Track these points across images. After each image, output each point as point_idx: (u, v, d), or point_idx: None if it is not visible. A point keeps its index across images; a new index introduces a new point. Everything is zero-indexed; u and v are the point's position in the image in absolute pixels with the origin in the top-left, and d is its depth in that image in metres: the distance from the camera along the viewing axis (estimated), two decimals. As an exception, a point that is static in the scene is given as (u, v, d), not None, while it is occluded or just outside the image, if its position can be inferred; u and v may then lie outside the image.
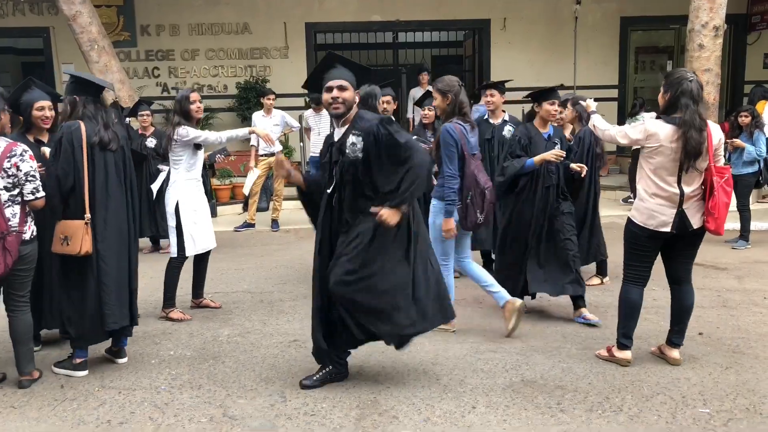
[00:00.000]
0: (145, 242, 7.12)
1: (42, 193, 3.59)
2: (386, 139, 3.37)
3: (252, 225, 8.59)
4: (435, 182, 4.48)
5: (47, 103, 4.01)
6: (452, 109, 4.28)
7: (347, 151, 3.42)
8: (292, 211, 9.85)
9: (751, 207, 7.08)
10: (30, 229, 3.60)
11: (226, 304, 5.27)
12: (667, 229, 3.58)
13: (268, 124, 8.42)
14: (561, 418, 3.21)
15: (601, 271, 5.60)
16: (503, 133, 5.77)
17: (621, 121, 9.80)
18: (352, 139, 3.42)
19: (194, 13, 11.41)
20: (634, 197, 3.95)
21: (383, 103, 5.57)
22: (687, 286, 3.83)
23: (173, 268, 4.89)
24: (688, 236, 3.67)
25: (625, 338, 3.80)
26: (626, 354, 3.81)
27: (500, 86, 5.91)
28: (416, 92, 10.26)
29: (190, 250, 4.85)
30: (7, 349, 4.03)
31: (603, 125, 3.99)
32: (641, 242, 3.69)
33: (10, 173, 3.47)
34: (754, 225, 7.14)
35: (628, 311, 3.80)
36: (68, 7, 8.33)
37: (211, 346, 4.32)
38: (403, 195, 3.34)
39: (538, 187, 4.64)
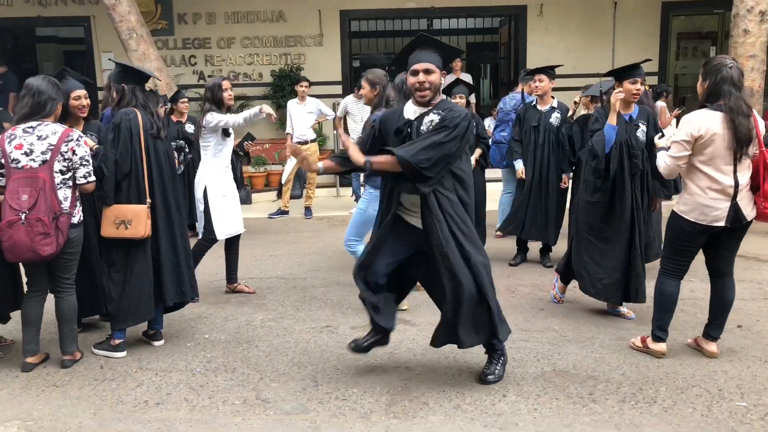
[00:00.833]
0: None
1: (93, 178, 3.73)
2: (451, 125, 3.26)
3: (286, 212, 8.67)
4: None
5: (83, 92, 4.12)
6: (379, 100, 4.47)
7: (423, 128, 3.30)
8: (326, 199, 9.93)
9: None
10: (78, 213, 3.72)
11: (260, 289, 5.34)
12: (722, 223, 3.49)
13: (302, 112, 8.48)
14: (592, 408, 3.19)
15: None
16: (550, 120, 5.69)
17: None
18: (432, 117, 3.29)
19: (230, 1, 11.49)
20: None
21: None
22: (729, 280, 3.73)
23: (200, 250, 5.00)
24: (737, 229, 3.57)
25: (660, 330, 3.74)
26: (661, 346, 3.75)
27: (549, 71, 5.81)
28: (449, 78, 10.17)
29: (219, 234, 4.95)
30: (49, 330, 4.17)
31: (660, 164, 3.69)
32: (689, 238, 3.59)
33: (66, 157, 3.60)
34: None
35: (665, 304, 3.73)
36: (108, -3, 8.48)
37: (245, 331, 4.39)
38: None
39: (625, 174, 4.30)
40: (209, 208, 4.91)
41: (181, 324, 4.51)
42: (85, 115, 4.16)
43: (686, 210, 3.56)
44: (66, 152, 3.60)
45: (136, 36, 8.65)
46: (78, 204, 3.73)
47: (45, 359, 3.89)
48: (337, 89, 11.38)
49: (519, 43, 11.81)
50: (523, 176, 5.82)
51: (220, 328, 4.45)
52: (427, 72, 3.26)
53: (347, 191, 9.88)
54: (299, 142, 8.42)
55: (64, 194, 3.63)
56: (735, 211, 3.47)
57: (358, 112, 8.62)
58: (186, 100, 7.42)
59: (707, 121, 3.42)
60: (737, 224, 3.51)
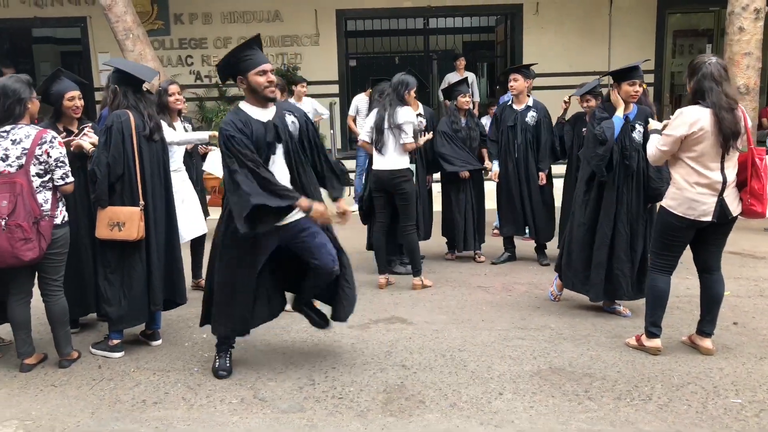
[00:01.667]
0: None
1: (71, 179, 3.70)
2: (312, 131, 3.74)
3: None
4: None
5: (77, 93, 4.11)
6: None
7: (291, 129, 3.56)
8: (325, 198, 9.93)
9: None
10: (61, 214, 3.70)
11: (257, 289, 5.34)
12: (709, 218, 3.52)
13: (298, 111, 8.47)
14: (588, 406, 3.20)
15: None
16: (526, 119, 5.70)
17: (658, 108, 9.58)
18: (290, 119, 3.58)
19: (226, 1, 11.50)
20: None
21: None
22: (717, 275, 3.76)
23: None
24: (723, 225, 3.60)
25: (653, 327, 3.76)
26: (655, 342, 3.77)
27: (524, 70, 5.83)
28: (452, 77, 10.21)
29: (183, 237, 4.79)
30: (48, 331, 4.16)
31: (649, 150, 3.73)
32: (677, 232, 3.62)
33: (41, 160, 3.56)
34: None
35: (657, 300, 3.75)
36: (104, -3, 8.47)
37: (242, 330, 4.39)
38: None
39: (617, 174, 4.29)
40: None
41: (179, 324, 4.52)
42: (78, 115, 4.16)
43: (674, 205, 3.59)
44: (41, 155, 3.55)
45: (132, 36, 8.65)
46: (60, 205, 3.70)
47: (43, 359, 3.90)
48: (334, 89, 11.40)
49: (515, 41, 11.83)
50: (496, 179, 5.90)
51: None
52: (273, 72, 3.47)
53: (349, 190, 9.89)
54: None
55: (44, 197, 3.60)
56: (722, 206, 3.51)
57: (365, 111, 8.66)
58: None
59: (700, 117, 3.45)
60: (723, 220, 3.54)
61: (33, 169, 3.54)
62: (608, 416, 3.10)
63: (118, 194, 3.86)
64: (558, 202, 5.91)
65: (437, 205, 6.13)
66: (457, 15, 12.75)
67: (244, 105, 3.50)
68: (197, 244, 5.29)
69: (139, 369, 3.81)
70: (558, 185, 5.95)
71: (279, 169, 3.49)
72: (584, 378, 3.51)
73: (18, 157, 3.51)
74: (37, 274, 3.75)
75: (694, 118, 3.46)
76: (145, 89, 4.11)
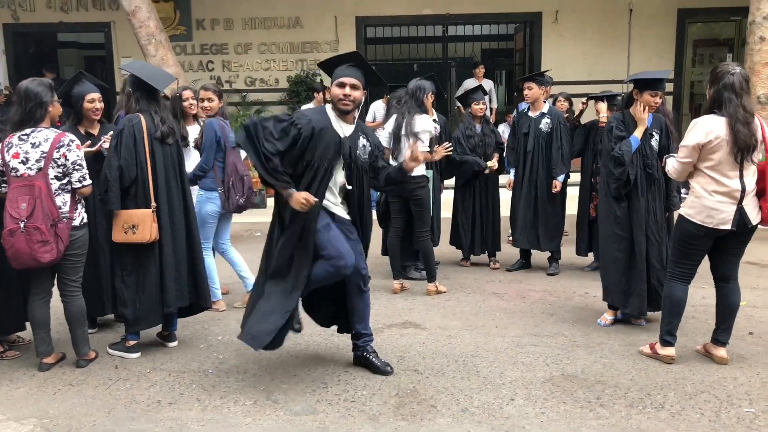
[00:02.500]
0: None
1: (89, 181, 3.76)
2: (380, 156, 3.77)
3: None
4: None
5: (97, 96, 4.20)
6: (220, 111, 4.89)
7: (359, 152, 3.58)
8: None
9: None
10: (80, 216, 3.77)
11: (272, 292, 5.39)
12: (728, 226, 3.50)
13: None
14: (600, 413, 3.20)
15: None
16: (540, 126, 5.70)
17: (677, 117, 9.51)
18: (362, 141, 3.61)
19: (248, 7, 11.64)
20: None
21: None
22: (734, 284, 3.74)
23: None
24: (742, 233, 3.58)
25: (668, 335, 3.74)
26: (670, 351, 3.75)
27: (538, 78, 5.83)
28: (470, 83, 10.26)
29: None
30: (66, 331, 4.24)
31: (670, 166, 3.75)
32: (695, 241, 3.61)
33: (59, 163, 3.64)
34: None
35: (673, 308, 3.73)
36: (128, 3, 8.63)
37: (257, 333, 4.44)
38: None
39: (639, 183, 4.27)
40: None
41: (195, 326, 4.58)
42: (98, 117, 4.25)
43: (693, 213, 3.57)
44: (59, 158, 3.63)
45: (154, 41, 8.80)
46: (79, 207, 3.77)
47: (61, 359, 3.97)
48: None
49: (534, 49, 11.83)
50: (510, 187, 5.95)
51: (233, 330, 4.48)
52: (354, 87, 3.50)
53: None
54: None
55: (63, 199, 3.67)
56: (741, 215, 3.49)
57: (385, 118, 8.69)
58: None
59: (715, 127, 3.44)
60: (743, 228, 3.52)
61: (51, 172, 3.62)
62: (620, 423, 3.10)
63: (132, 197, 3.91)
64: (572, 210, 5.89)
65: (446, 212, 6.14)
66: (476, 23, 12.77)
67: (330, 108, 3.62)
68: None
69: (155, 370, 3.87)
70: (572, 194, 5.94)
71: (338, 180, 3.58)
72: (596, 385, 3.50)
73: (37, 161, 3.59)
74: (56, 274, 3.83)
75: (709, 127, 3.45)
76: (162, 94, 4.18)
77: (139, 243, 3.90)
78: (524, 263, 6.01)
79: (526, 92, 5.75)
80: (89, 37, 13.15)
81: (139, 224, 3.87)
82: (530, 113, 5.81)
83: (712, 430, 3.03)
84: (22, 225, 3.50)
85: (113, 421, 3.26)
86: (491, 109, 6.36)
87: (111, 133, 4.11)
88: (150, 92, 4.02)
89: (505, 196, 6.11)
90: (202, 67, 11.85)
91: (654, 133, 4.32)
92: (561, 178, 5.65)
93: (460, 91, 11.40)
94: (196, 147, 4.89)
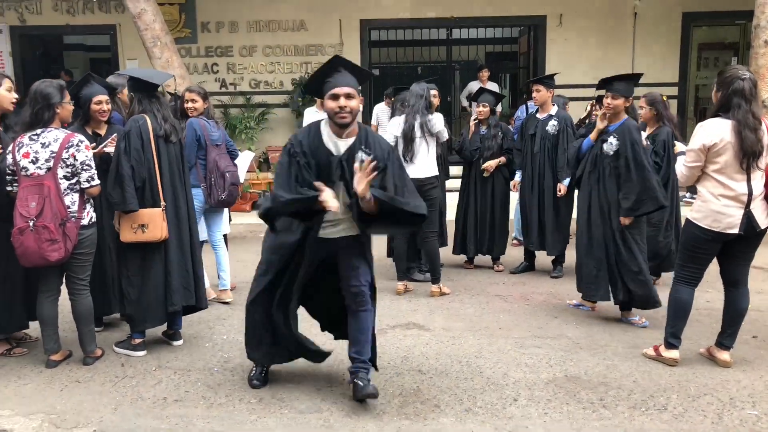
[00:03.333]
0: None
1: (97, 182, 3.80)
2: (398, 169, 3.29)
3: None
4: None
5: (105, 97, 4.23)
6: (206, 111, 4.99)
7: (356, 165, 3.14)
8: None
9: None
10: (88, 215, 3.81)
11: (277, 292, 5.42)
12: (735, 231, 3.51)
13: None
14: (602, 414, 3.21)
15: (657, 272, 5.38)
16: (547, 128, 5.71)
17: (681, 122, 9.51)
18: (361, 156, 3.15)
19: (253, 9, 11.69)
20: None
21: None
22: (743, 289, 3.74)
23: None
24: (751, 238, 3.59)
25: (673, 338, 3.76)
26: (674, 354, 3.76)
27: (546, 81, 5.85)
28: (474, 85, 10.31)
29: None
30: (73, 329, 4.28)
31: (678, 171, 3.78)
32: (702, 245, 3.62)
33: (68, 163, 3.68)
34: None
35: (679, 311, 3.74)
36: (134, 5, 8.67)
37: (261, 332, 4.47)
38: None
39: (599, 177, 4.53)
40: None
41: (200, 325, 4.61)
42: (105, 119, 4.28)
43: (700, 217, 3.58)
44: (68, 158, 3.67)
45: (160, 44, 8.84)
46: (88, 206, 3.80)
47: (68, 356, 4.00)
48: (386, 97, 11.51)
49: (538, 52, 11.84)
50: (516, 189, 5.98)
51: (238, 330, 4.50)
52: (348, 96, 3.16)
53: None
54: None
55: (72, 199, 3.71)
56: (748, 218, 3.49)
57: (385, 120, 8.75)
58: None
59: (720, 130, 3.45)
60: (751, 232, 3.53)
61: (60, 172, 3.66)
62: (622, 424, 3.11)
63: (140, 196, 3.94)
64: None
65: (450, 214, 6.17)
66: (480, 26, 12.78)
67: (324, 125, 3.30)
68: None
69: (161, 368, 3.90)
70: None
71: (340, 196, 3.26)
72: (600, 387, 3.51)
73: (47, 160, 3.63)
74: (64, 273, 3.86)
75: (715, 130, 3.47)
76: (164, 93, 4.21)
77: (149, 242, 3.93)
78: (528, 266, 6.03)
79: (534, 95, 5.77)
80: (95, 39, 13.20)
81: (148, 223, 3.91)
82: (538, 115, 5.83)
83: (715, 431, 3.04)
84: (31, 224, 3.54)
85: (120, 417, 3.29)
86: (494, 112, 6.36)
87: (115, 135, 4.15)
88: (149, 91, 4.06)
89: (515, 198, 6.14)
90: (207, 69, 11.88)
91: (609, 138, 4.45)
92: (566, 181, 5.65)
93: (465, 93, 11.48)
94: None
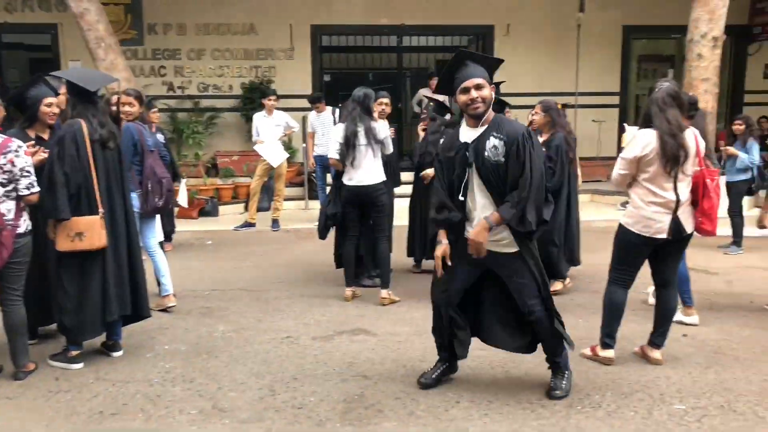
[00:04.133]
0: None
1: (36, 188, 3.67)
2: (529, 150, 3.21)
3: (252, 225, 8.69)
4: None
5: (54, 100, 4.07)
6: (141, 116, 5.04)
7: (488, 154, 3.23)
8: (294, 211, 9.97)
9: (745, 213, 7.14)
10: (24, 223, 3.69)
11: (222, 301, 5.37)
12: (664, 235, 3.66)
13: (269, 125, 8.56)
14: (541, 413, 3.29)
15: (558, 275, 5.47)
16: None
17: (621, 127, 9.83)
18: (493, 141, 3.23)
19: (201, 12, 11.54)
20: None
21: (381, 104, 5.69)
22: (673, 289, 3.91)
23: None
24: (678, 241, 3.75)
25: (608, 338, 3.88)
26: (609, 353, 3.89)
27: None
28: (425, 92, 10.45)
29: None
30: (3, 341, 4.14)
31: (612, 176, 3.86)
32: (634, 249, 3.76)
33: (5, 169, 3.54)
34: (748, 231, 7.19)
35: (613, 312, 3.87)
36: (76, 5, 8.46)
37: (205, 342, 4.41)
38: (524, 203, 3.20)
39: None
40: None
41: (141, 335, 4.51)
42: (53, 122, 4.10)
43: (631, 222, 3.73)
44: (5, 164, 3.53)
45: (104, 45, 8.64)
46: (24, 214, 3.69)
47: (-1, 371, 3.86)
48: (308, 102, 11.50)
49: (486, 61, 12.04)
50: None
51: (181, 339, 4.46)
52: (479, 87, 3.22)
53: (316, 204, 9.94)
54: (268, 155, 8.52)
55: (8, 207, 3.58)
56: (676, 224, 3.65)
57: (321, 127, 8.80)
58: (156, 109, 7.41)
59: (651, 140, 3.60)
60: (678, 236, 3.69)
61: None
62: (559, 423, 3.19)
63: (76, 204, 3.82)
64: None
65: (399, 220, 6.23)
66: (430, 34, 12.95)
67: (463, 122, 3.40)
68: None
69: (98, 380, 3.79)
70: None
71: (477, 190, 3.32)
72: (539, 387, 3.60)
73: None
74: None
75: (646, 141, 3.61)
76: (101, 95, 4.10)
77: (86, 251, 3.82)
78: None
79: None
80: (35, 38, 12.75)
81: (86, 231, 3.79)
82: None
83: (645, 426, 3.16)
84: None
85: (53, 433, 3.19)
86: (434, 118, 6.44)
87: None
88: (86, 96, 3.94)
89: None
90: (153, 72, 11.67)
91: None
92: None
93: (416, 99, 11.58)
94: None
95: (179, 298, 5.33)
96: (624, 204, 9.36)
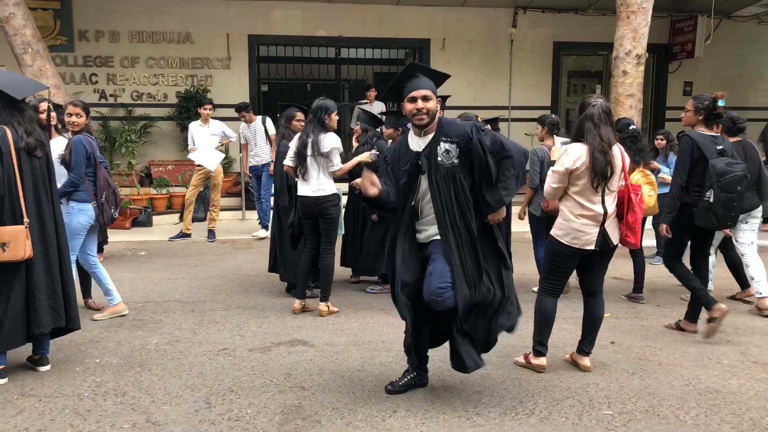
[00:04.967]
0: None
1: None
2: (485, 142, 3.39)
3: (188, 235, 8.54)
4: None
5: None
6: (86, 127, 4.96)
7: (440, 159, 3.40)
8: (230, 222, 9.84)
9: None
10: None
11: (156, 313, 5.25)
12: (592, 247, 3.82)
13: (205, 134, 8.44)
14: (476, 421, 3.37)
15: None
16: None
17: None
18: (444, 146, 3.40)
19: (135, 20, 11.29)
20: None
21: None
22: (599, 298, 4.07)
23: None
24: (605, 252, 3.92)
25: (540, 346, 4.01)
26: (541, 361, 4.02)
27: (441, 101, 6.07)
28: (362, 105, 10.54)
29: None
30: None
31: (545, 189, 4.02)
32: (564, 260, 3.91)
33: None
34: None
35: (544, 320, 4.01)
36: (1, 9, 8.13)
37: (138, 354, 4.31)
38: (508, 184, 3.41)
39: None
40: None
41: (71, 348, 4.36)
42: None
43: (561, 234, 3.87)
44: None
45: (31, 51, 8.34)
46: None
47: None
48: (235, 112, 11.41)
49: (423, 74, 12.25)
50: None
51: (113, 352, 4.34)
52: (425, 99, 3.37)
53: (253, 214, 9.84)
54: (202, 165, 8.38)
55: None
56: (603, 236, 3.82)
57: (251, 138, 8.77)
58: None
59: (581, 154, 3.76)
60: (605, 248, 3.86)
61: None
62: (493, 430, 3.28)
63: (4, 213, 3.69)
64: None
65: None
66: (368, 46, 13.10)
67: (410, 132, 3.54)
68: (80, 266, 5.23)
69: (24, 396, 3.64)
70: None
71: (428, 196, 3.46)
72: (474, 395, 3.68)
73: None
74: None
75: (576, 155, 3.77)
76: (29, 101, 3.98)
77: (9, 262, 3.68)
78: None
79: None
80: (-44, 42, 12.17)
81: (10, 242, 3.65)
82: None
83: (575, 431, 3.28)
84: None
85: (-26, 453, 3.05)
86: (366, 130, 6.51)
87: None
88: (12, 102, 3.80)
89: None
90: (85, 79, 11.32)
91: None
92: None
93: (354, 113, 11.65)
94: (63, 162, 4.84)
95: (104, 306, 5.19)
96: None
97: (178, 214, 9.79)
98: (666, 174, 7.02)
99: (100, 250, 7.29)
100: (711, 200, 4.50)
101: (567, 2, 11.82)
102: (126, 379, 3.89)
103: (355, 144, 6.42)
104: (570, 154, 3.79)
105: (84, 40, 11.26)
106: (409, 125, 3.61)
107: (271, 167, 8.47)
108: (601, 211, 3.80)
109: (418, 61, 12.36)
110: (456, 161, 3.40)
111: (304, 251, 5.38)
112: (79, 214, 4.82)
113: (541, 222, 5.71)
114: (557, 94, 12.67)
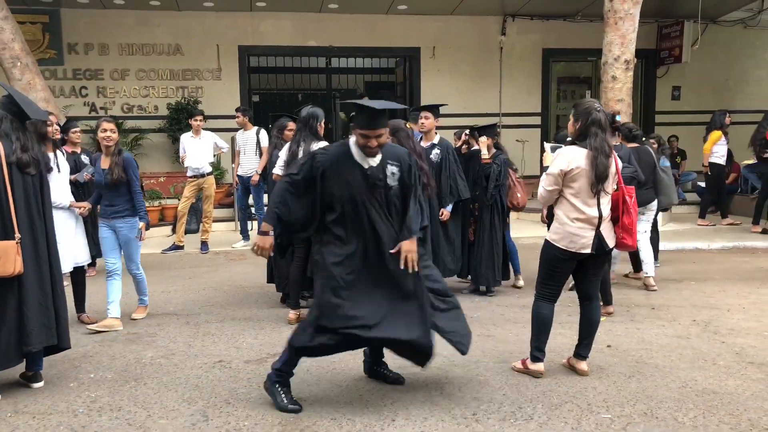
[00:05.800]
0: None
1: None
2: (414, 171, 3.59)
3: (180, 247, 8.49)
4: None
5: None
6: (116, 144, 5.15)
7: (388, 180, 3.51)
8: (223, 233, 9.80)
9: (661, 228, 7.55)
10: None
11: (150, 326, 5.21)
12: (588, 250, 3.82)
13: (197, 146, 8.42)
14: (475, 428, 3.36)
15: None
16: (431, 156, 5.93)
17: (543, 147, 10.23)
18: (391, 168, 3.51)
19: (124, 32, 11.28)
20: None
21: (421, 118, 5.88)
22: (595, 302, 4.08)
23: None
24: (600, 256, 3.93)
25: (538, 351, 4.01)
26: (539, 366, 4.01)
27: (434, 109, 6.07)
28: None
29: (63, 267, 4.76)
30: None
31: (539, 193, 4.05)
32: (560, 264, 3.91)
33: None
34: (664, 245, 7.62)
35: (541, 326, 4.00)
36: (-11, 24, 8.11)
37: (133, 368, 4.27)
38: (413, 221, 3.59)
39: None
40: None
41: (64, 364, 4.32)
42: None
43: (557, 238, 3.88)
44: None
45: (20, 65, 8.31)
46: None
47: None
48: (235, 123, 11.39)
49: (413, 82, 12.33)
50: None
51: (107, 367, 4.30)
52: (379, 137, 3.44)
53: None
54: (195, 176, 8.35)
55: None
56: (599, 239, 3.83)
57: (243, 146, 8.76)
58: (78, 129, 7.19)
59: (576, 157, 3.77)
60: (601, 251, 3.87)
61: None
62: (493, 437, 3.27)
63: None
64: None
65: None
66: (359, 56, 13.14)
67: (354, 144, 3.50)
68: (77, 275, 5.26)
69: (17, 413, 3.60)
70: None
71: (374, 212, 3.50)
72: (473, 402, 3.67)
73: None
74: None
75: (571, 157, 3.79)
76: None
77: (0, 277, 3.64)
78: None
79: (423, 121, 5.94)
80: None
81: (0, 257, 3.62)
82: (422, 143, 6.01)
83: (574, 436, 3.28)
84: None
85: (-32, 472, 3.00)
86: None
87: None
88: (19, 118, 3.81)
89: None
90: (74, 92, 11.29)
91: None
92: (449, 207, 5.88)
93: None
94: (89, 181, 5.00)
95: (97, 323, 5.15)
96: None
97: (170, 227, 9.74)
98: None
99: (92, 263, 7.26)
100: None
101: (555, 9, 11.91)
102: (121, 393, 3.85)
103: None
104: (565, 156, 3.81)
105: (73, 53, 11.24)
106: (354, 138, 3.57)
107: (255, 177, 8.46)
108: (596, 214, 3.81)
109: (409, 70, 12.45)
110: (397, 183, 3.54)
111: (294, 261, 5.33)
112: (134, 229, 5.15)
113: None
114: (547, 100, 12.74)
